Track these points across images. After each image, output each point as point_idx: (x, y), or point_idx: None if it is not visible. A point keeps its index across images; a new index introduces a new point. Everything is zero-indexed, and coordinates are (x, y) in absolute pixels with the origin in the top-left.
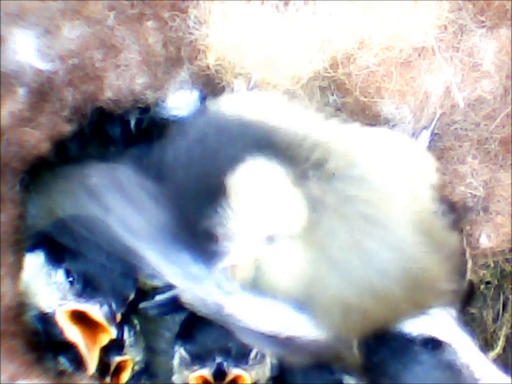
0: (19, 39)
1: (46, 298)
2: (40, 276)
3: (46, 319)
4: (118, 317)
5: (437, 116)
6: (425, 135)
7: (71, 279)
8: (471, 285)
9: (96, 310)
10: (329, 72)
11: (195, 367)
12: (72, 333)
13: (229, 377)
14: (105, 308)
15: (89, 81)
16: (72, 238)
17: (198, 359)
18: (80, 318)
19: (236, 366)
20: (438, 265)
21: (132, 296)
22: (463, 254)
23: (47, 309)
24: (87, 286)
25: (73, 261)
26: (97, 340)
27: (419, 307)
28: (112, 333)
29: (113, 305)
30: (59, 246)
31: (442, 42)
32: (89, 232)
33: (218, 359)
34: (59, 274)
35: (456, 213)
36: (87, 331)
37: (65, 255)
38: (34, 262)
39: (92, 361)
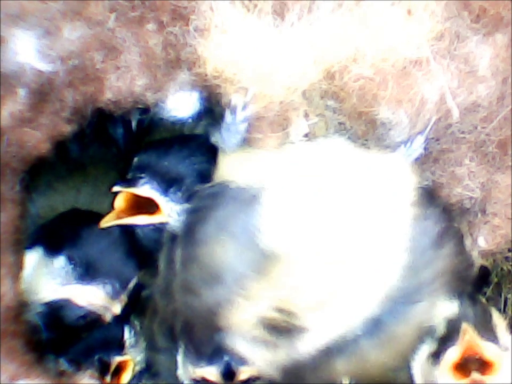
0: (19, 40)
1: (48, 286)
2: (40, 268)
3: (50, 307)
4: (122, 298)
5: (432, 121)
6: (420, 140)
7: (72, 266)
8: (484, 268)
9: (99, 291)
10: (325, 84)
11: (202, 364)
12: None
13: (240, 377)
14: (108, 287)
15: (89, 82)
16: (72, 227)
17: (205, 355)
18: None
19: (244, 364)
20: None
21: (133, 281)
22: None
23: (50, 296)
24: (88, 269)
25: (73, 247)
26: None
27: None
28: (116, 310)
29: (116, 285)
30: (57, 236)
31: (439, 50)
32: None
33: (226, 357)
34: (60, 261)
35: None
36: None
37: (64, 243)
38: (34, 257)
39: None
